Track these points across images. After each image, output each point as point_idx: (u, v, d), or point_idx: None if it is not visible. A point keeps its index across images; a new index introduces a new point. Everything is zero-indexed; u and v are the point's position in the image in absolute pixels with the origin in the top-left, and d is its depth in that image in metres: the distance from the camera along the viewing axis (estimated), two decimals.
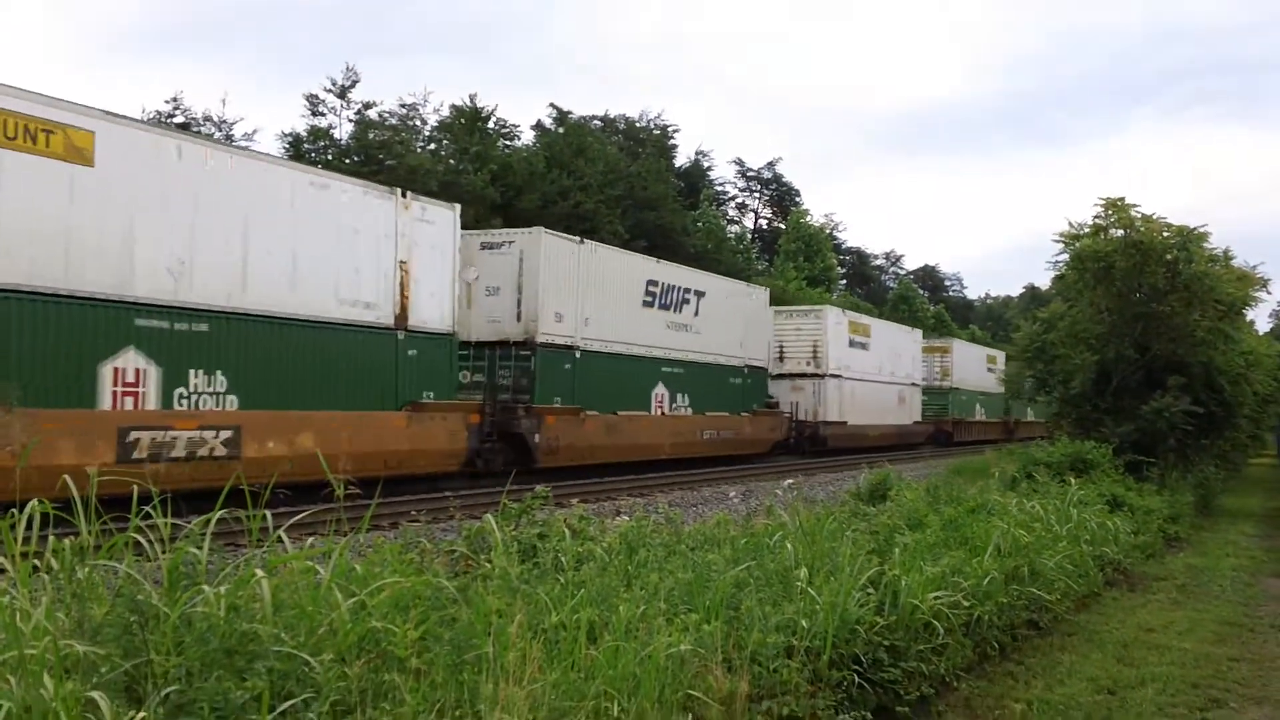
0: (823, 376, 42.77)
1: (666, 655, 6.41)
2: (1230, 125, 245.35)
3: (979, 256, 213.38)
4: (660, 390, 31.79)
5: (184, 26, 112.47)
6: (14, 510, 5.79)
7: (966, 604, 9.76)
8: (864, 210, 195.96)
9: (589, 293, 28.08)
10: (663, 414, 31.79)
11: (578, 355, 27.57)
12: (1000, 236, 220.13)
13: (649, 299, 31.19)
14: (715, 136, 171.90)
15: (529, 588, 7.49)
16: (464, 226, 24.19)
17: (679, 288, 32.85)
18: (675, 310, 32.60)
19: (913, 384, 53.75)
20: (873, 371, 47.68)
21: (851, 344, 45.39)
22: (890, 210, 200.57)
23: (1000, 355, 69.91)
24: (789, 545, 9.81)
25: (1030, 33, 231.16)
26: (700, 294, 33.97)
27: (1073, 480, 19.52)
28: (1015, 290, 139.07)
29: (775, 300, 45.72)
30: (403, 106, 50.41)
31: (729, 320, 35.90)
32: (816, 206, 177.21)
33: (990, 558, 11.18)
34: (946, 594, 9.45)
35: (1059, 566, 12.74)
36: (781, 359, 42.87)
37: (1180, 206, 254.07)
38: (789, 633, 7.53)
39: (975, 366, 65.66)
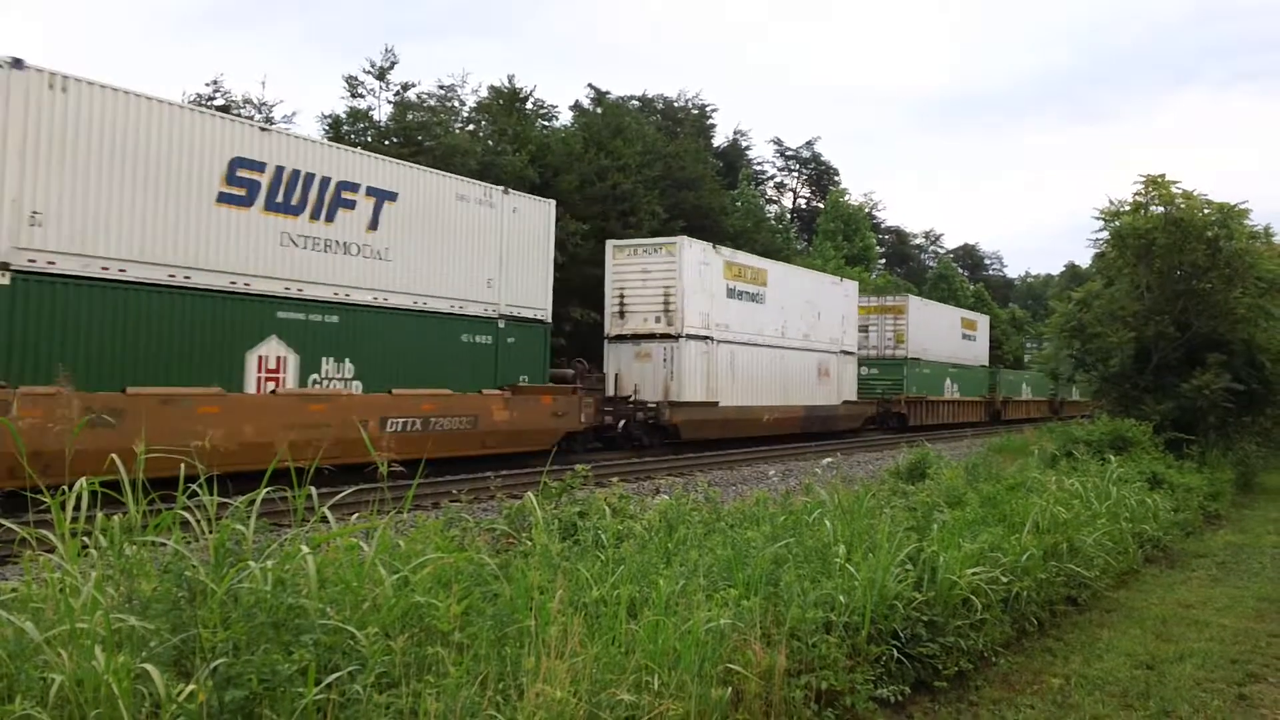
0: (678, 338, 31.93)
1: (706, 630, 6.47)
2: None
3: (1019, 234, 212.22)
4: (268, 350, 19.78)
5: (224, 8, 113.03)
6: (65, 488, 5.90)
7: (1005, 580, 9.77)
8: (904, 189, 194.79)
9: None
10: (272, 392, 19.68)
11: None
12: (1041, 214, 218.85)
13: (237, 188, 19.20)
14: (753, 116, 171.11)
15: (569, 564, 7.56)
16: None
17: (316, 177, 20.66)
18: (318, 217, 20.71)
19: (842, 352, 43.01)
20: (770, 333, 37.17)
21: (733, 294, 34.98)
22: (930, 189, 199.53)
23: (982, 320, 63.50)
24: (827, 522, 9.84)
25: (1075, 7, 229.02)
26: (384, 196, 22.26)
27: (1112, 458, 19.42)
28: (1056, 269, 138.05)
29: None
30: (441, 88, 50.46)
31: (449, 240, 24.01)
32: (855, 186, 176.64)
33: (1029, 534, 11.17)
34: (985, 570, 9.46)
35: (1098, 543, 12.70)
36: (622, 314, 33.01)
37: (1220, 182, 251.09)
38: (827, 608, 7.57)
39: (943, 332, 55.74)
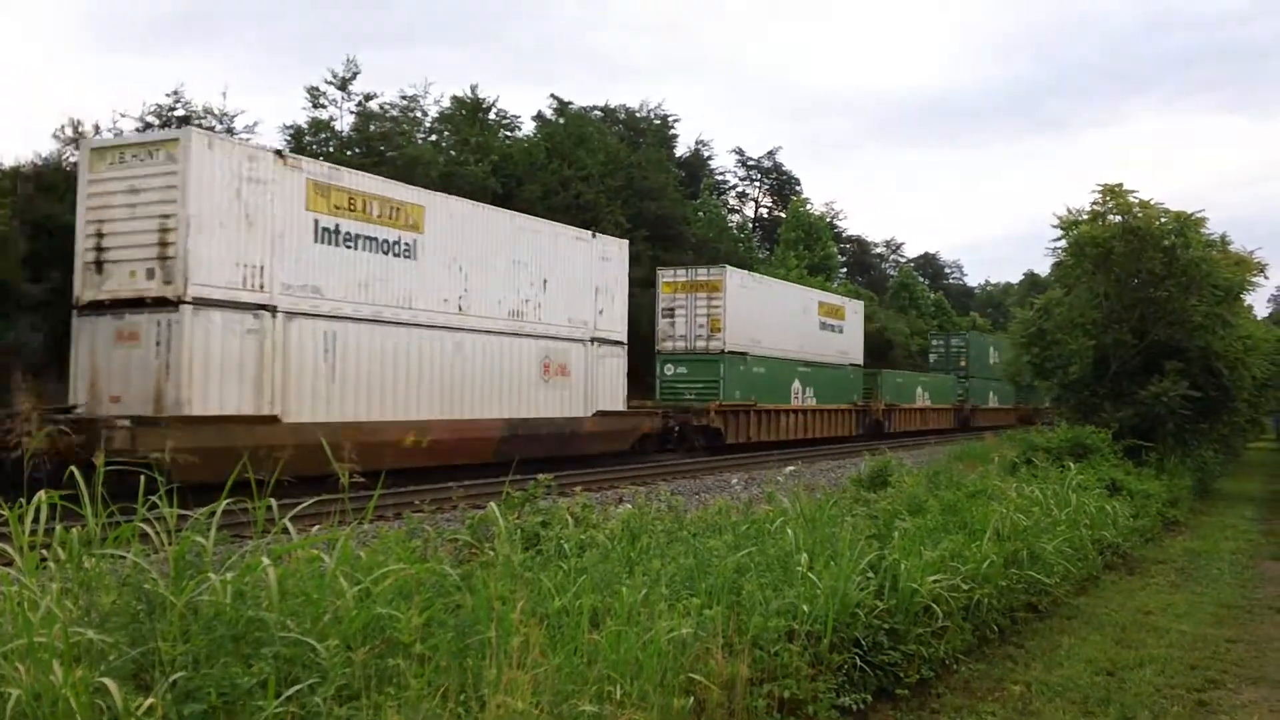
0: (178, 305, 19.18)
1: (668, 639, 6.47)
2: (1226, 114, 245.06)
3: (979, 244, 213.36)
4: None
5: (184, 17, 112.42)
6: (21, 501, 5.85)
7: (966, 588, 9.82)
8: (864, 199, 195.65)
9: None
10: None
11: None
12: (1000, 223, 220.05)
13: None
14: (714, 126, 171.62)
15: (532, 574, 7.55)
16: None
17: None
18: None
19: (594, 340, 30.48)
20: (429, 305, 24.47)
21: (334, 238, 22.09)
22: (890, 198, 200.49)
23: (853, 305, 53.56)
24: (790, 531, 9.86)
25: (1029, 16, 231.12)
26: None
27: (1072, 465, 19.56)
28: (1015, 277, 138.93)
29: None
30: (403, 98, 50.41)
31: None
32: (817, 195, 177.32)
33: (989, 542, 11.22)
34: (946, 578, 9.50)
35: (1058, 550, 12.79)
36: (99, 266, 20.09)
37: (1177, 191, 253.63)
38: (790, 617, 7.58)
39: (788, 319, 43.61)
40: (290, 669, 5.23)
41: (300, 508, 7.20)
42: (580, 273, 29.98)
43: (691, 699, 6.31)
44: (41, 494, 5.88)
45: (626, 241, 34.16)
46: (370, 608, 5.97)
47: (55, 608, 5.19)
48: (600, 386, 30.65)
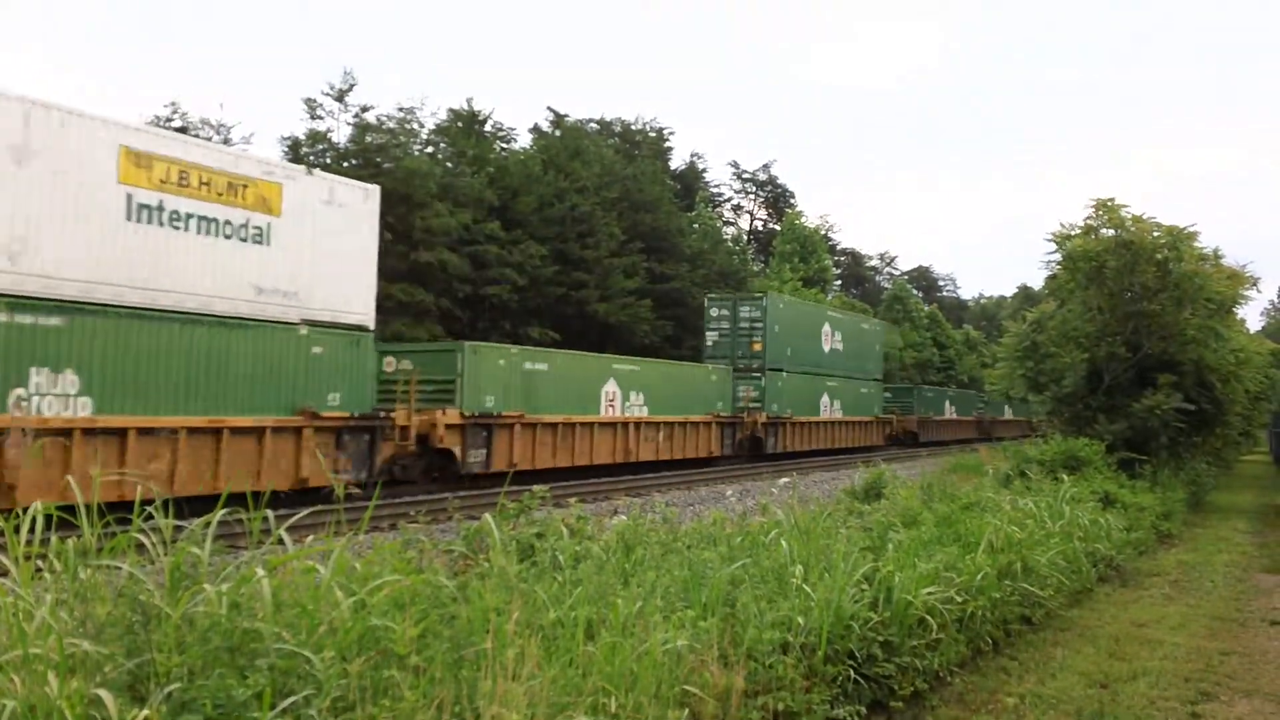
0: None
1: (663, 651, 6.47)
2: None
3: (973, 257, 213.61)
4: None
5: (183, 28, 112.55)
6: (18, 511, 5.85)
7: (960, 600, 9.83)
8: (858, 212, 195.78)
9: None
10: None
11: None
12: (995, 236, 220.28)
13: None
14: (710, 139, 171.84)
15: (527, 585, 7.54)
16: (465, 227, 24.74)
17: None
18: None
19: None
20: None
21: None
22: (884, 212, 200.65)
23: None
24: (784, 543, 9.87)
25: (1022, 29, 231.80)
26: None
27: (1065, 477, 19.60)
28: (1009, 290, 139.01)
29: None
30: (400, 110, 50.43)
31: None
32: (811, 208, 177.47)
33: (983, 554, 11.24)
34: (940, 590, 9.52)
35: (1051, 563, 12.81)
36: None
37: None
38: (784, 629, 7.60)
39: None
40: (285, 680, 5.23)
41: (295, 518, 7.20)
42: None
43: (686, 711, 6.31)
44: (37, 504, 5.88)
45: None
46: (365, 619, 5.96)
47: (50, 619, 5.19)
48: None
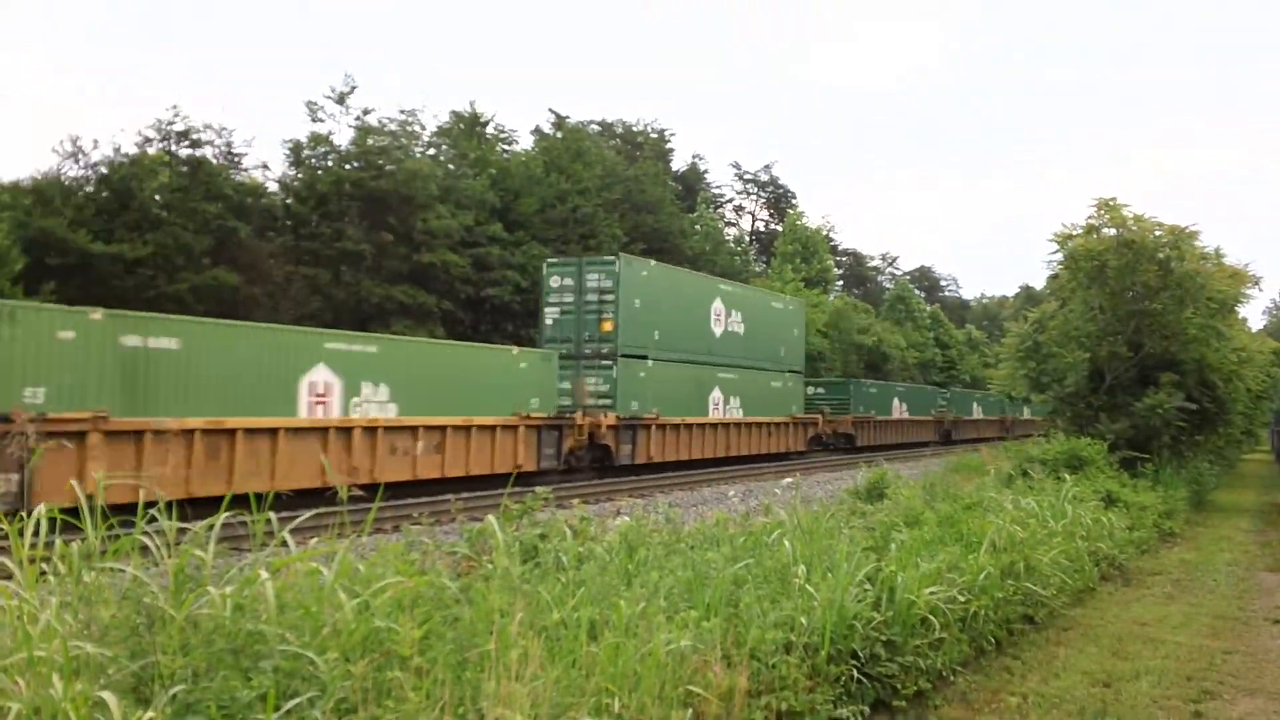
0: None
1: (666, 652, 6.48)
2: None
3: (974, 256, 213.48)
4: None
5: (184, 28, 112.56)
6: (22, 515, 5.86)
7: (962, 599, 9.84)
8: (858, 212, 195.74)
9: None
10: None
11: None
12: (996, 236, 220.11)
13: None
14: (711, 139, 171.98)
15: (530, 587, 7.55)
16: (467, 229, 26.88)
17: None
18: None
19: None
20: None
21: None
22: (885, 211, 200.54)
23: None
24: (787, 543, 9.86)
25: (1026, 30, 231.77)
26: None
27: (1068, 477, 19.58)
28: (1010, 290, 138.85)
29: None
30: (402, 113, 50.47)
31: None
32: (812, 208, 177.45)
33: (985, 554, 11.24)
34: (942, 590, 9.52)
35: (1054, 562, 12.81)
36: None
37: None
38: (787, 629, 7.60)
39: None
40: (289, 682, 5.24)
41: (299, 520, 7.21)
42: None
43: (690, 711, 6.32)
44: (41, 507, 5.89)
45: None
46: (369, 620, 5.97)
47: (55, 621, 5.20)
48: None
